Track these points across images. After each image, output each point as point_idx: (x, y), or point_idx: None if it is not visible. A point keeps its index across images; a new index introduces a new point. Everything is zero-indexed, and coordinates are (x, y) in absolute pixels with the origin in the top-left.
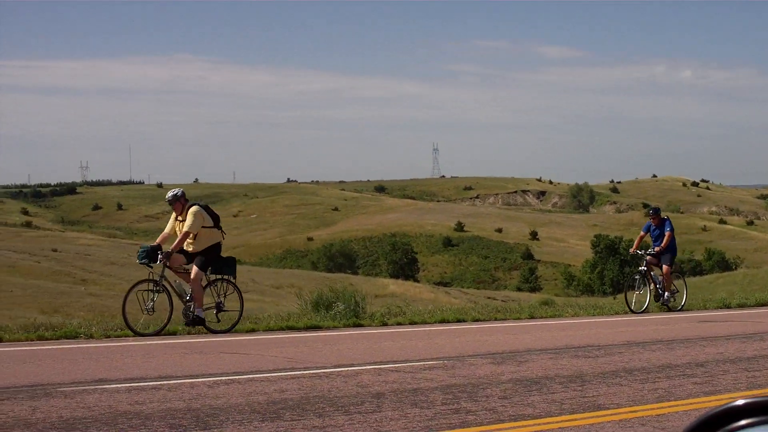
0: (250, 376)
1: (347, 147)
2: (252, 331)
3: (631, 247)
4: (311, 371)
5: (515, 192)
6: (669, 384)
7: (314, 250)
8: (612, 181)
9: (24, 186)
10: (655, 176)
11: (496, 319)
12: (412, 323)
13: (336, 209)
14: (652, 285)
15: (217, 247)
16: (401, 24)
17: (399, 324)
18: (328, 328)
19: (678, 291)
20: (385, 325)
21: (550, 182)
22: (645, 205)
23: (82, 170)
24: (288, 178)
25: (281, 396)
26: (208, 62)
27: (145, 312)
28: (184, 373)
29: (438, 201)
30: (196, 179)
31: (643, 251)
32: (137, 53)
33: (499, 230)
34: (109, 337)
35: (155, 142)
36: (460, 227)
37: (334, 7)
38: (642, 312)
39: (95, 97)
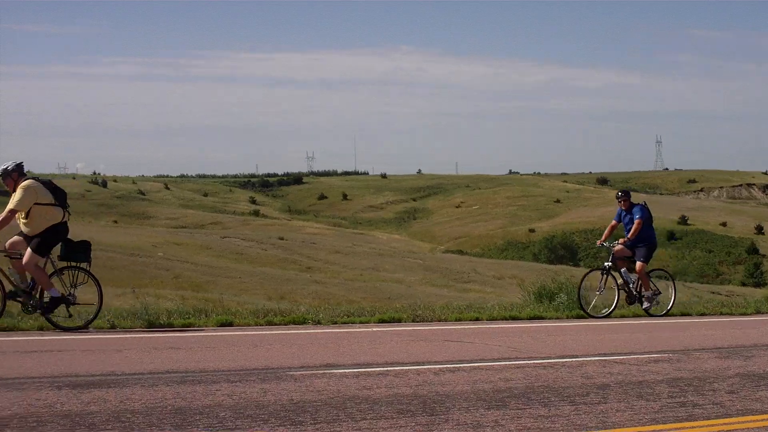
0: (475, 364)
1: (569, 139)
2: (476, 320)
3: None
4: (535, 361)
5: (740, 185)
6: None
7: (536, 242)
8: None
9: (252, 176)
10: None
11: (721, 314)
12: (636, 316)
13: (558, 201)
14: (621, 284)
15: (59, 228)
16: (619, 14)
17: (622, 316)
18: (551, 319)
19: (661, 293)
20: (607, 317)
21: None
22: None
23: (308, 161)
24: (510, 170)
25: (506, 384)
26: (428, 54)
27: None
28: (410, 360)
29: (661, 194)
30: (419, 170)
31: (610, 243)
32: (359, 45)
33: (724, 224)
34: (335, 323)
35: (378, 133)
36: (683, 221)
37: None
38: (603, 317)
39: (319, 89)
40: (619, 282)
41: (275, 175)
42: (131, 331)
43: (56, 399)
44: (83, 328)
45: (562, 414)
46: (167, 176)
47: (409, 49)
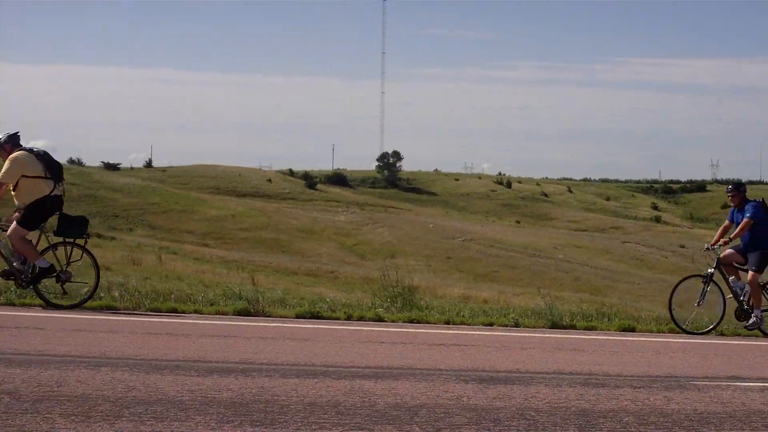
0: None
1: None
2: None
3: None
4: None
5: None
6: None
7: None
8: None
9: (655, 182)
10: None
11: None
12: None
13: None
14: (728, 296)
15: (46, 201)
16: None
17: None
18: None
19: None
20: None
21: None
22: None
23: (713, 168)
24: None
25: None
26: None
27: None
28: None
29: None
30: None
31: (720, 247)
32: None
33: None
34: (738, 335)
35: None
36: None
37: None
38: (700, 334)
39: (725, 96)
40: (726, 294)
41: (678, 181)
42: (535, 330)
43: (462, 392)
44: (78, 306)
45: None
46: (570, 179)
47: None
